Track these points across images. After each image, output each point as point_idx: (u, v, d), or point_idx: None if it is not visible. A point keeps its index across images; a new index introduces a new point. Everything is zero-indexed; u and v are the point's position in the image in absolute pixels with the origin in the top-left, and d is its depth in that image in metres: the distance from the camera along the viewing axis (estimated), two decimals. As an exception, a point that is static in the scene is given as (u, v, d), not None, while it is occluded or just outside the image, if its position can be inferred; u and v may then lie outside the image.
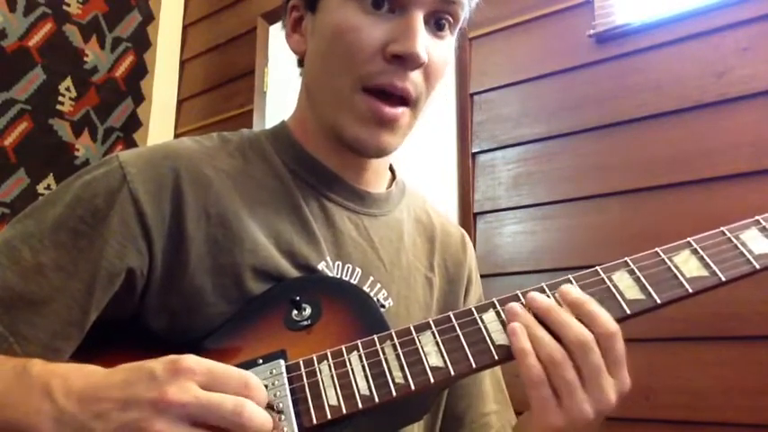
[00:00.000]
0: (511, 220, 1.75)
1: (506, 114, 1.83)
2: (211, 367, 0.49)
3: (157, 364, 0.49)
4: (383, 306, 0.71)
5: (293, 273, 0.66)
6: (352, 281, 0.70)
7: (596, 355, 0.54)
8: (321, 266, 0.68)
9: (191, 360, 0.49)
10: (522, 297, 0.58)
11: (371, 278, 0.71)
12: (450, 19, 0.68)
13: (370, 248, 0.73)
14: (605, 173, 1.61)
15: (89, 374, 0.51)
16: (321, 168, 0.73)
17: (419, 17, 0.65)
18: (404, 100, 0.67)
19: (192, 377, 0.48)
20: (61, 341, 0.58)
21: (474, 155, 1.87)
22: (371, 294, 0.70)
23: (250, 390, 0.49)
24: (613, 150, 1.61)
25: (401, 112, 0.67)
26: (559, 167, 1.69)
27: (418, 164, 1.85)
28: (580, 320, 0.55)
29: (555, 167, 1.70)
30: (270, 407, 0.51)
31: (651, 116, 1.57)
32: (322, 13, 0.69)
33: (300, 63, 0.76)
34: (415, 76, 0.67)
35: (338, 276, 0.69)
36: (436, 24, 0.68)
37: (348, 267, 0.70)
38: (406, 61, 0.65)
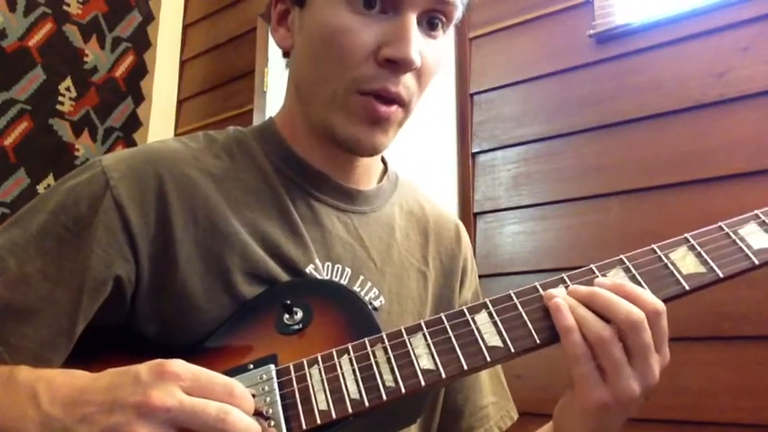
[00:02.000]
0: (511, 220, 1.75)
1: (506, 114, 1.83)
2: (197, 373, 0.48)
3: (143, 368, 0.48)
4: (375, 307, 0.70)
5: (283, 276, 0.65)
6: (342, 281, 0.69)
7: (648, 334, 0.54)
8: (310, 269, 0.67)
9: (177, 364, 0.48)
10: (514, 297, 0.58)
11: (362, 278, 0.71)
12: (444, 18, 0.67)
13: (360, 247, 0.72)
14: (605, 173, 1.61)
15: (75, 378, 0.51)
16: (309, 168, 0.72)
17: (412, 19, 0.63)
18: (397, 101, 0.66)
19: (177, 382, 0.47)
20: (50, 351, 0.58)
21: (474, 155, 1.86)
22: (362, 294, 0.70)
23: (235, 398, 0.48)
24: (613, 150, 1.61)
25: (394, 110, 0.66)
26: (559, 167, 1.69)
27: (418, 164, 1.85)
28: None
29: (555, 167, 1.70)
30: (259, 414, 0.51)
31: (651, 116, 1.57)
32: (310, 9, 0.67)
33: (285, 55, 0.74)
34: (408, 78, 0.66)
35: (328, 278, 0.68)
36: (429, 24, 0.66)
37: (338, 268, 0.70)
38: (400, 66, 0.64)
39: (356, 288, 0.70)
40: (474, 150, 1.86)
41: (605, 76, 1.66)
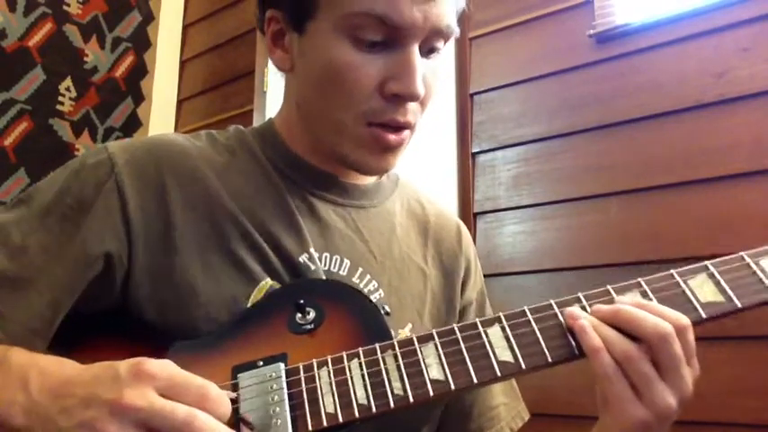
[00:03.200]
0: (511, 220, 1.75)
1: (506, 114, 1.83)
2: (173, 374, 0.49)
3: (123, 366, 0.49)
4: (388, 313, 0.70)
5: (277, 265, 0.66)
6: (340, 272, 0.70)
7: (677, 345, 0.53)
8: (303, 258, 0.68)
9: (154, 365, 0.49)
10: (529, 313, 0.57)
11: (360, 269, 0.71)
12: (443, 43, 0.68)
13: (359, 240, 0.73)
14: (605, 173, 1.61)
15: (65, 369, 0.52)
16: (306, 166, 0.73)
17: (415, 51, 0.64)
18: (406, 128, 0.68)
19: (151, 382, 0.48)
20: (39, 322, 0.59)
21: (474, 155, 1.86)
22: (361, 286, 0.70)
23: (209, 401, 0.49)
24: (613, 150, 1.61)
25: (404, 136, 0.68)
26: (559, 167, 1.69)
27: (418, 164, 1.85)
28: None
29: (555, 167, 1.70)
30: (243, 421, 0.51)
31: (651, 116, 1.57)
32: (311, 39, 0.67)
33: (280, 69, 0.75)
34: (413, 105, 0.67)
35: (326, 268, 0.69)
36: (428, 47, 0.67)
37: (336, 259, 0.70)
38: (406, 99, 0.65)
39: (355, 280, 0.70)
40: (474, 150, 1.86)
41: (605, 76, 1.66)
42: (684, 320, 0.55)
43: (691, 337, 0.55)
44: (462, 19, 0.71)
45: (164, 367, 0.49)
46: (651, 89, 1.58)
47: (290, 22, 0.68)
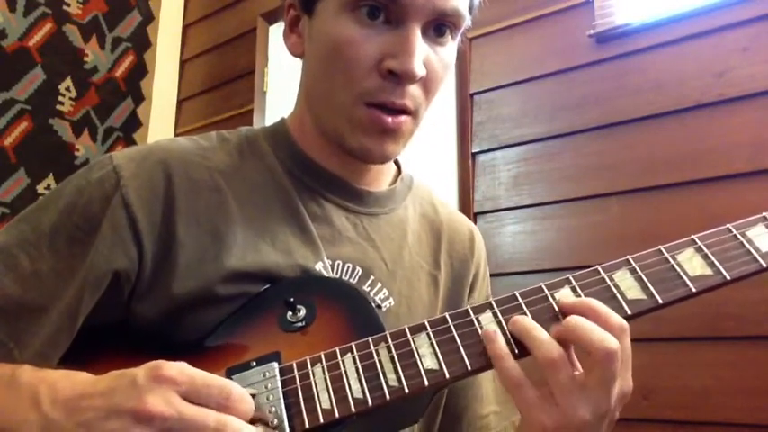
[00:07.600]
0: (511, 220, 1.75)
1: (506, 114, 1.83)
2: (193, 376, 0.48)
3: (140, 372, 0.48)
4: (380, 306, 0.70)
5: (290, 273, 0.65)
6: (351, 280, 0.69)
7: (618, 364, 0.51)
8: (319, 266, 0.67)
9: (173, 369, 0.48)
10: (519, 297, 0.57)
11: (372, 277, 0.70)
12: (451, 25, 0.66)
13: (370, 247, 0.72)
14: (605, 173, 1.61)
15: (76, 382, 0.51)
16: (319, 169, 0.72)
17: (416, 30, 0.63)
18: (404, 112, 0.66)
19: (173, 386, 0.47)
20: (52, 348, 0.58)
21: (474, 155, 1.87)
22: (371, 294, 0.69)
23: (231, 401, 0.48)
24: (613, 150, 1.61)
25: (402, 119, 0.66)
26: (559, 167, 1.69)
27: (418, 164, 1.85)
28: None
29: (555, 167, 1.70)
30: (264, 424, 0.50)
31: (651, 116, 1.57)
32: (318, 19, 0.67)
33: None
34: (413, 89, 0.65)
35: (337, 276, 0.68)
36: (436, 30, 0.65)
37: (348, 267, 0.69)
38: (403, 78, 0.63)
39: (366, 288, 0.69)
40: (474, 150, 1.86)
41: (605, 76, 1.66)
42: (624, 324, 0.52)
43: (627, 342, 0.53)
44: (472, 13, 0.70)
45: (183, 370, 0.48)
46: (651, 89, 1.58)
47: (301, 4, 0.69)
